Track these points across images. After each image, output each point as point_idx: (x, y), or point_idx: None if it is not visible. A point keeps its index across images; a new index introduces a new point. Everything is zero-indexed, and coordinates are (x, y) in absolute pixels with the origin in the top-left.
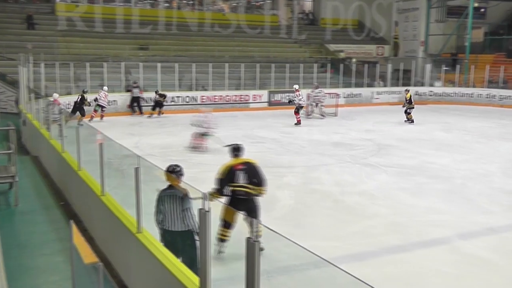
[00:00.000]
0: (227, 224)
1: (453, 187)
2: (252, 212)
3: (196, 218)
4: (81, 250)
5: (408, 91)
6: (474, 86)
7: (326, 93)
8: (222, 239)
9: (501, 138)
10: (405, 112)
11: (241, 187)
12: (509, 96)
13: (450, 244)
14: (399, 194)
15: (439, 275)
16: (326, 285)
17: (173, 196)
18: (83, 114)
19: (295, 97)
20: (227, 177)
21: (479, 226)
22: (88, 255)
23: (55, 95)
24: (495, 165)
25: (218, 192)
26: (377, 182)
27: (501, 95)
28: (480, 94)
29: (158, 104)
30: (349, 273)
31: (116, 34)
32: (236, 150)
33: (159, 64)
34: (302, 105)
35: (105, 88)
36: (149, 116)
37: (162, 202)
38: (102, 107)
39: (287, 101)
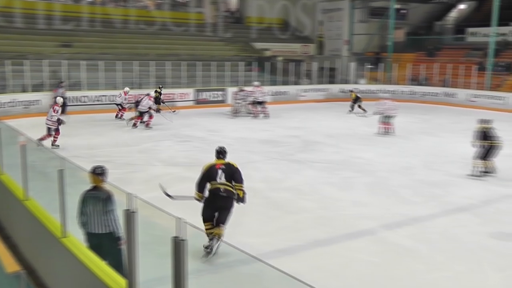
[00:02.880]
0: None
1: (377, 180)
2: (225, 210)
3: (120, 221)
4: (3, 258)
5: (352, 91)
6: (397, 84)
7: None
8: (209, 233)
9: (423, 133)
10: (359, 107)
11: (223, 185)
12: (430, 92)
13: (375, 235)
14: (326, 188)
15: (365, 264)
16: (255, 282)
17: (96, 197)
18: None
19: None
20: (207, 173)
21: (402, 216)
22: (10, 264)
23: None
24: (417, 158)
25: (197, 188)
26: (304, 177)
27: (422, 92)
28: (403, 91)
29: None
30: (277, 269)
31: (37, 30)
32: (218, 152)
33: (83, 62)
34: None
35: (127, 89)
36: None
37: (85, 203)
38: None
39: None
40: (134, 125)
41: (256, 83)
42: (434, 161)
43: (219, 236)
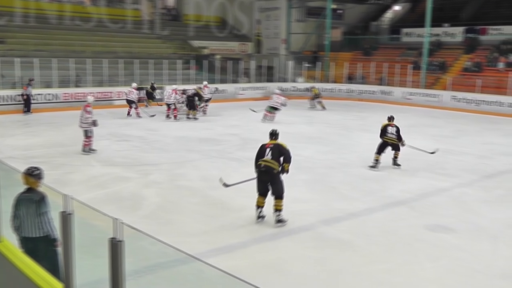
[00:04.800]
0: (259, 192)
1: (317, 176)
2: (274, 184)
3: (54, 223)
4: None
5: (314, 87)
6: (334, 82)
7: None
8: (258, 206)
9: (360, 130)
10: (318, 103)
11: (265, 162)
12: (367, 90)
13: (314, 230)
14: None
15: (305, 259)
16: (194, 281)
17: (29, 200)
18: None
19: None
20: (259, 152)
21: (341, 212)
22: None
23: None
24: (355, 154)
25: (255, 165)
26: (243, 175)
27: (359, 90)
28: (340, 89)
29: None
30: (216, 267)
31: None
32: (271, 134)
33: (17, 59)
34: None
35: (134, 84)
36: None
37: (19, 206)
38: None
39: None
40: (175, 117)
41: (205, 82)
42: (371, 157)
43: (279, 209)
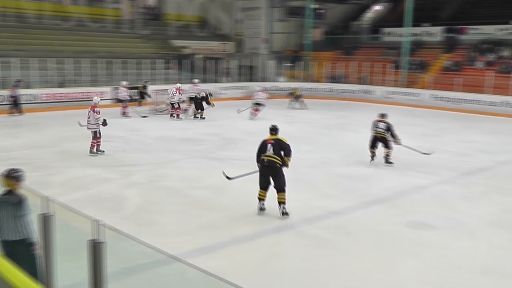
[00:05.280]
0: (261, 186)
1: (298, 175)
2: (276, 177)
3: (32, 226)
4: None
5: (297, 89)
6: (315, 81)
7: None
8: (260, 198)
9: (341, 129)
10: (300, 102)
11: (268, 157)
12: (348, 90)
13: (296, 229)
14: (246, 185)
15: (285, 258)
16: (176, 281)
17: (7, 202)
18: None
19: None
20: (260, 147)
21: (322, 210)
22: None
23: None
24: (336, 153)
25: (257, 159)
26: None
27: (341, 89)
28: (322, 88)
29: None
30: (196, 267)
31: None
32: (271, 129)
33: None
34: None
35: (124, 82)
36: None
37: None
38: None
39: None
40: (178, 116)
41: (195, 80)
42: (352, 156)
43: (283, 202)
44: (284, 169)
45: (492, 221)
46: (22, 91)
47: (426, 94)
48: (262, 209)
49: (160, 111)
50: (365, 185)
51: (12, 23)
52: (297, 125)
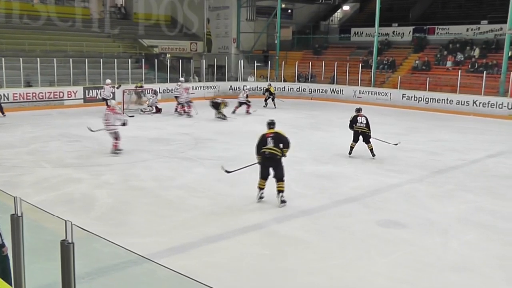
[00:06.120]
0: (262, 176)
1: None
2: (277, 168)
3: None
4: None
5: (270, 85)
6: (285, 81)
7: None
8: (259, 188)
9: (311, 128)
10: (272, 100)
11: (269, 149)
12: (318, 89)
13: (267, 228)
14: (217, 185)
15: (257, 257)
16: (147, 281)
17: None
18: None
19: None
20: (260, 141)
21: (293, 209)
22: None
23: None
24: (307, 152)
25: (256, 152)
26: (195, 175)
27: (310, 89)
28: (292, 88)
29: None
30: (167, 267)
31: None
32: (269, 124)
33: None
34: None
35: (108, 81)
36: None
37: None
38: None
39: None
40: (188, 114)
41: (182, 79)
42: (323, 155)
43: (282, 190)
44: (283, 159)
45: (462, 219)
46: None
47: (395, 94)
48: (261, 197)
49: (143, 111)
50: (336, 184)
51: None
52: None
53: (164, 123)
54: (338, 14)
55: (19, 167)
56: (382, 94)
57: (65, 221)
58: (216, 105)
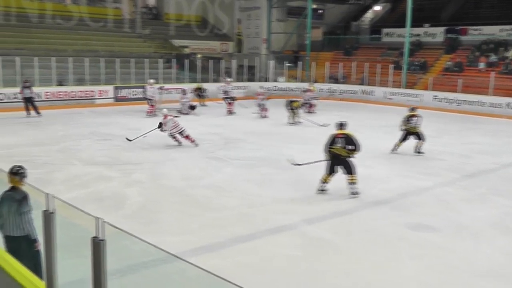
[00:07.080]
0: (327, 172)
1: (299, 176)
2: (344, 165)
3: (34, 223)
4: None
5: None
6: (315, 82)
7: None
8: (323, 181)
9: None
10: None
11: (335, 149)
12: (348, 90)
13: (297, 229)
14: (245, 185)
15: (286, 258)
16: (177, 280)
17: (11, 198)
18: None
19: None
20: (330, 140)
21: (323, 211)
22: None
23: None
24: None
25: (325, 150)
26: (224, 174)
27: (341, 90)
28: (322, 89)
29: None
30: (198, 266)
31: None
32: (340, 125)
33: None
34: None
35: (151, 80)
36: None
37: (2, 205)
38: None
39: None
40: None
41: (228, 79)
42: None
43: (353, 182)
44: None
45: (494, 223)
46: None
47: (427, 95)
48: (322, 190)
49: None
50: (367, 186)
51: (14, 22)
52: (297, 126)
53: (196, 122)
54: (369, 15)
55: (51, 164)
56: (413, 95)
57: (96, 218)
58: (292, 106)
